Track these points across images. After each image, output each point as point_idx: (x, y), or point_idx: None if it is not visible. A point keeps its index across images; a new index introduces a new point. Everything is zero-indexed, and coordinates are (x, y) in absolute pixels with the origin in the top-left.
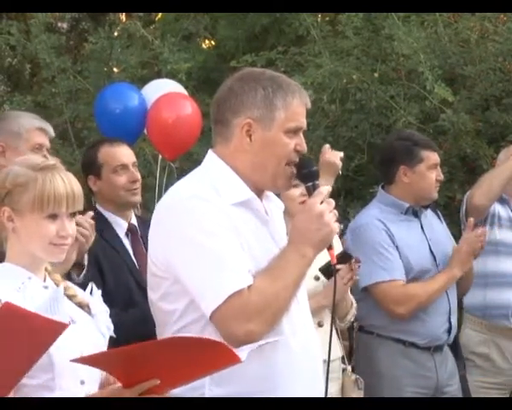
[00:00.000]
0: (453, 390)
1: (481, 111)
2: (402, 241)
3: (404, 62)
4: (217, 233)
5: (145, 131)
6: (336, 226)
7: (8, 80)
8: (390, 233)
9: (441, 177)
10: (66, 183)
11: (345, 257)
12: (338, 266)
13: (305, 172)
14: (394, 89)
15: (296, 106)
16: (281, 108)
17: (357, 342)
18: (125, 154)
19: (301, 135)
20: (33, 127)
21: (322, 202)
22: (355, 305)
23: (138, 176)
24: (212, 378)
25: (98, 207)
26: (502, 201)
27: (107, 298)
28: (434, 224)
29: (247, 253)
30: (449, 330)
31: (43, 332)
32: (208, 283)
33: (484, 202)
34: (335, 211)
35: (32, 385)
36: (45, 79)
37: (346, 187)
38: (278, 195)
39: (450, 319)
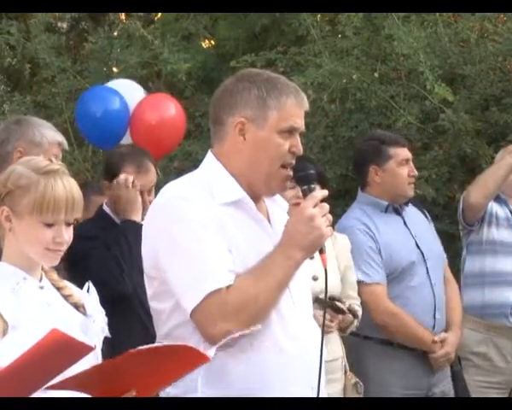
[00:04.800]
0: (446, 389)
1: (481, 111)
2: (386, 238)
3: (404, 62)
4: (198, 234)
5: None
6: (329, 231)
7: (8, 80)
8: (373, 235)
9: (414, 172)
10: (67, 189)
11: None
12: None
13: (302, 174)
14: (394, 89)
15: (291, 106)
16: (274, 108)
17: (348, 345)
18: (146, 181)
19: (297, 137)
20: (56, 141)
21: (315, 206)
22: (359, 317)
23: (150, 199)
24: (205, 380)
25: (105, 206)
26: (499, 200)
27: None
28: (418, 221)
29: (234, 253)
30: (433, 327)
31: (75, 353)
32: (188, 282)
33: (479, 201)
34: (329, 215)
35: None
36: (45, 78)
37: (346, 187)
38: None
39: (435, 314)
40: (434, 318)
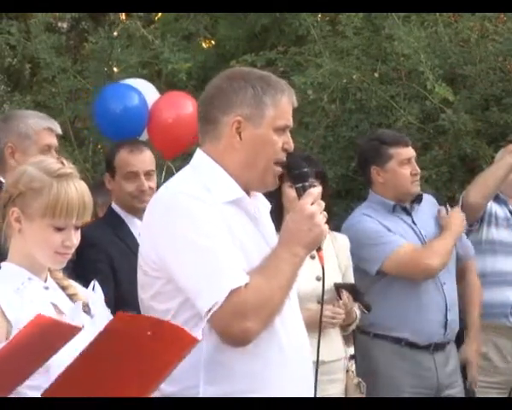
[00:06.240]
0: (455, 392)
1: (481, 111)
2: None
3: (405, 62)
4: (210, 231)
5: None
6: (326, 228)
7: (8, 80)
8: (382, 224)
9: (417, 170)
10: (79, 193)
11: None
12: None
13: (296, 172)
14: (394, 89)
15: (285, 104)
16: (270, 106)
17: (356, 344)
18: (140, 162)
19: (288, 133)
20: (41, 128)
21: (312, 203)
22: (359, 317)
23: (150, 185)
24: (207, 377)
25: (113, 205)
26: (499, 200)
27: (121, 297)
28: (430, 218)
29: (240, 251)
30: (445, 326)
31: (58, 336)
32: (204, 281)
33: (479, 201)
34: (325, 213)
35: (26, 386)
36: (45, 78)
37: (346, 187)
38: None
39: (446, 314)
40: (446, 317)
